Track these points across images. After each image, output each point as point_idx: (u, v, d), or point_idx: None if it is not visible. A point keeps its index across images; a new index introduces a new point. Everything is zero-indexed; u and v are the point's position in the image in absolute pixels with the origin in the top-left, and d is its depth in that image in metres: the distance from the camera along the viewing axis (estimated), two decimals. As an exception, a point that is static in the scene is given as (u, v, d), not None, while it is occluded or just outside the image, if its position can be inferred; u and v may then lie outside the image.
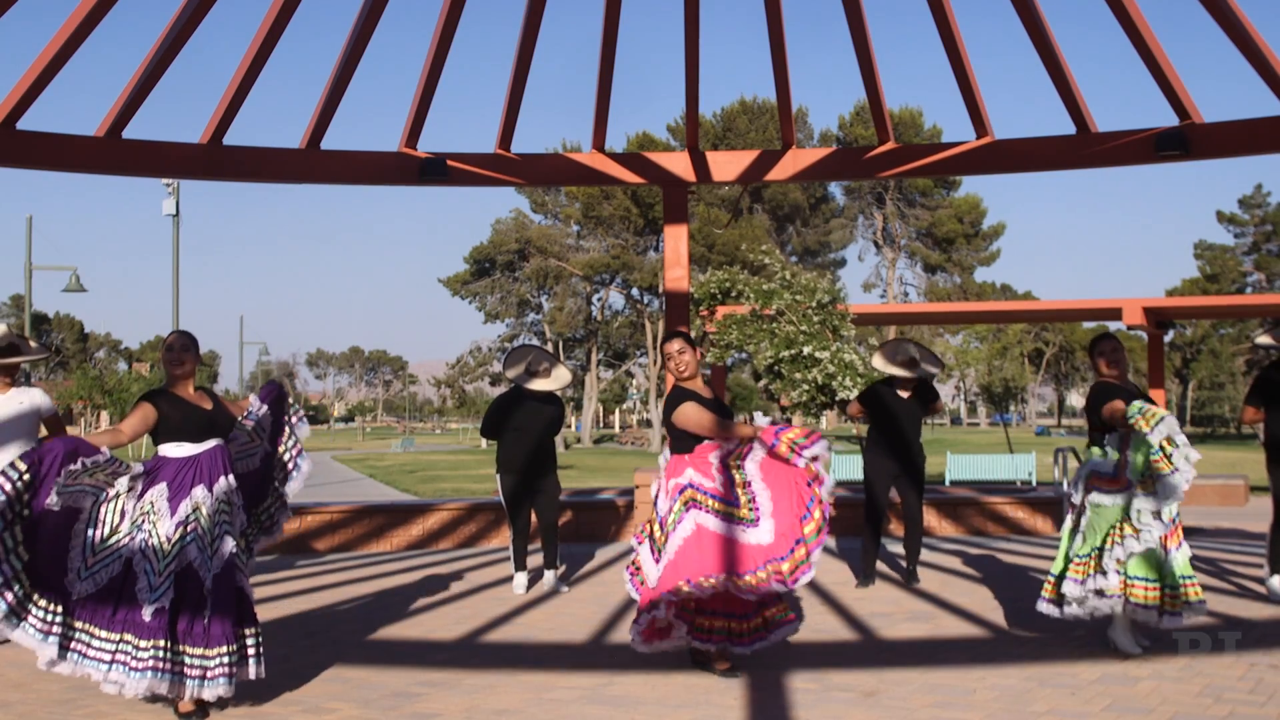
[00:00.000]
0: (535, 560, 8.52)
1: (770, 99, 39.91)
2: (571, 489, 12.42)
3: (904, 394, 7.94)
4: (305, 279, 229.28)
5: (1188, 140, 9.50)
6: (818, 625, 6.48)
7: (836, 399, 17.29)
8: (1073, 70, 9.50)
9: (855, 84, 21.36)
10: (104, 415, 55.62)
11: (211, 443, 4.88)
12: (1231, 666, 5.17)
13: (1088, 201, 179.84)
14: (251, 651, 4.71)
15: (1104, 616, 5.49)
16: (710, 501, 5.20)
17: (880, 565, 8.65)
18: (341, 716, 4.64)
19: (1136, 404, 5.25)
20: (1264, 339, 7.07)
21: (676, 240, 10.97)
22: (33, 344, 6.70)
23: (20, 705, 4.88)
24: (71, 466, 4.48)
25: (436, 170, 10.30)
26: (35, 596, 4.49)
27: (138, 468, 4.76)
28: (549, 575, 8.08)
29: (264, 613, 7.15)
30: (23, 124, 9.02)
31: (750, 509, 5.19)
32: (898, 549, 9.16)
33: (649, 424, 66.16)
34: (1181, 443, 5.10)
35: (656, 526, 5.29)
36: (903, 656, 5.64)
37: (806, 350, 17.25)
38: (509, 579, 8.11)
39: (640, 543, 5.38)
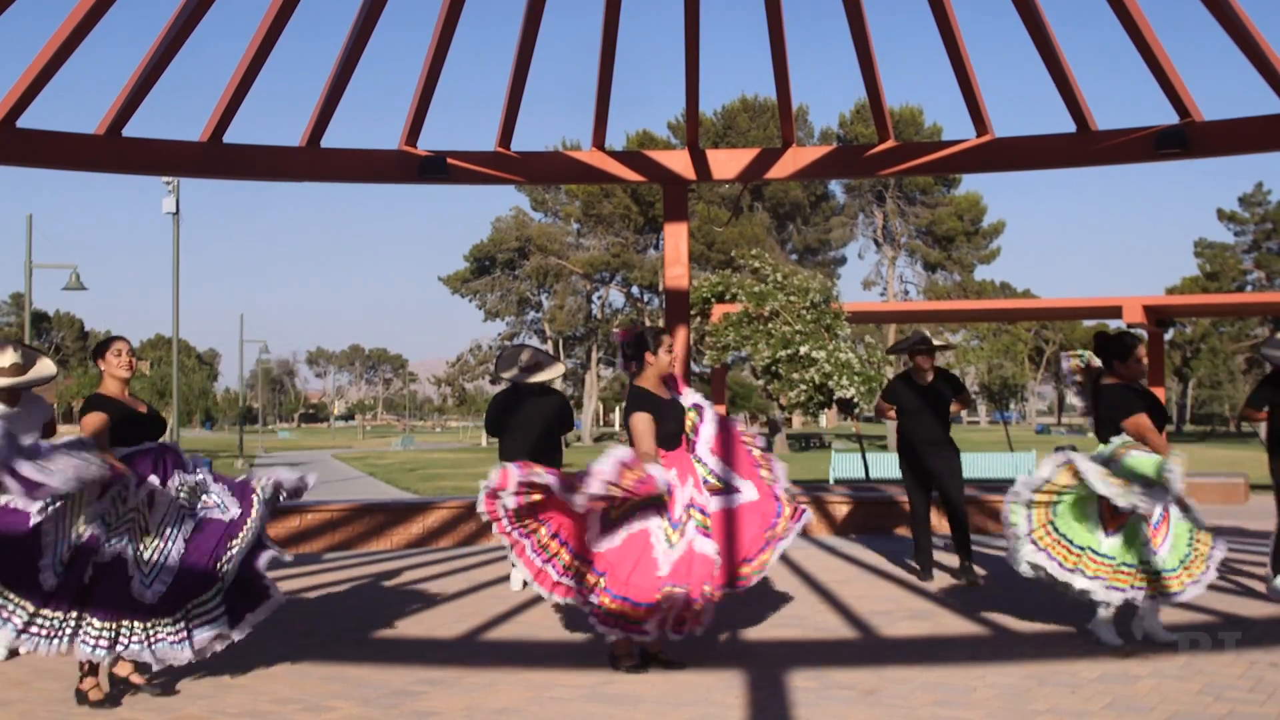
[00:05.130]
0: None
1: (771, 97, 39.89)
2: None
3: (924, 380, 7.97)
4: (305, 278, 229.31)
5: (1188, 138, 9.50)
6: (818, 624, 6.48)
7: (834, 398, 17.30)
8: (1073, 69, 9.50)
9: (855, 82, 21.38)
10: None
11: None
12: (1231, 665, 5.17)
13: (1088, 200, 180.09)
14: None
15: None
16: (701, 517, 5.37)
17: (885, 564, 8.66)
18: (341, 715, 4.64)
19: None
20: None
21: (677, 238, 10.97)
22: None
23: (20, 704, 4.88)
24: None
25: (436, 168, 10.29)
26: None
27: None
28: None
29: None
30: (23, 122, 9.02)
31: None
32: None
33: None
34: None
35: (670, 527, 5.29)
36: (903, 655, 5.64)
37: (803, 350, 17.26)
38: (507, 576, 8.10)
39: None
